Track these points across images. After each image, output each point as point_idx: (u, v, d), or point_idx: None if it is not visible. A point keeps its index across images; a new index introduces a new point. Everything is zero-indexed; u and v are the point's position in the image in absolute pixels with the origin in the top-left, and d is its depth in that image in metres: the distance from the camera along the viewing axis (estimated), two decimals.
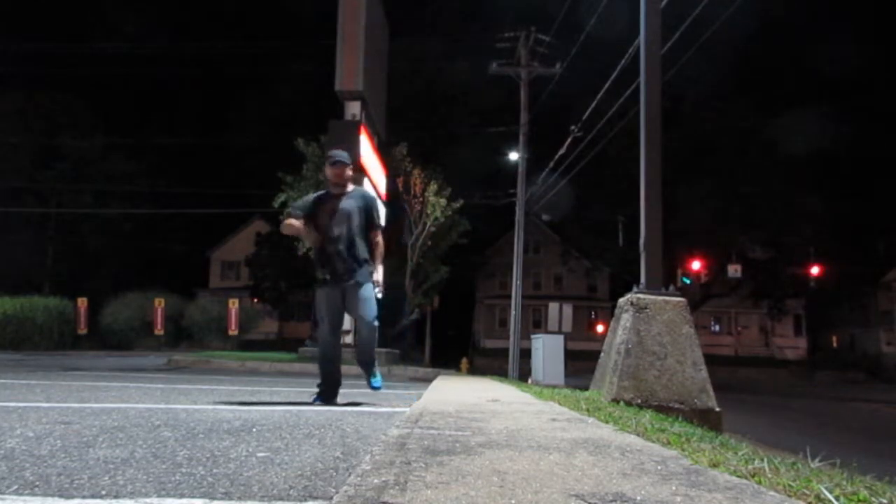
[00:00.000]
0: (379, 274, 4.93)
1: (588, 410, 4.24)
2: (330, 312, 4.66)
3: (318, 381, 4.77)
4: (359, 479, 1.83)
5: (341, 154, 4.86)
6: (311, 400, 4.73)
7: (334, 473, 2.07)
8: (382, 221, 5.03)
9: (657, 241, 6.57)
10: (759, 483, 1.95)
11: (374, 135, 16.39)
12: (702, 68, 26.99)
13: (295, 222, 4.67)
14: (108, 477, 1.92)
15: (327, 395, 4.73)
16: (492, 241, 40.97)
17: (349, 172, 4.81)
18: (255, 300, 36.40)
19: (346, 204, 4.67)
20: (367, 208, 4.75)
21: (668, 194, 8.00)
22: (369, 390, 4.99)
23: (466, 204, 21.14)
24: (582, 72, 21.56)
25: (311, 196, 4.94)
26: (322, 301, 4.68)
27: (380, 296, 4.73)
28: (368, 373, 4.91)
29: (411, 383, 9.84)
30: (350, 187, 4.83)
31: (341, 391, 4.89)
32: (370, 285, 4.65)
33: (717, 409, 5.65)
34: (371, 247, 4.76)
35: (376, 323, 4.65)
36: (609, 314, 27.81)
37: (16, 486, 1.78)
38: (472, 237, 23.56)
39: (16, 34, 39.26)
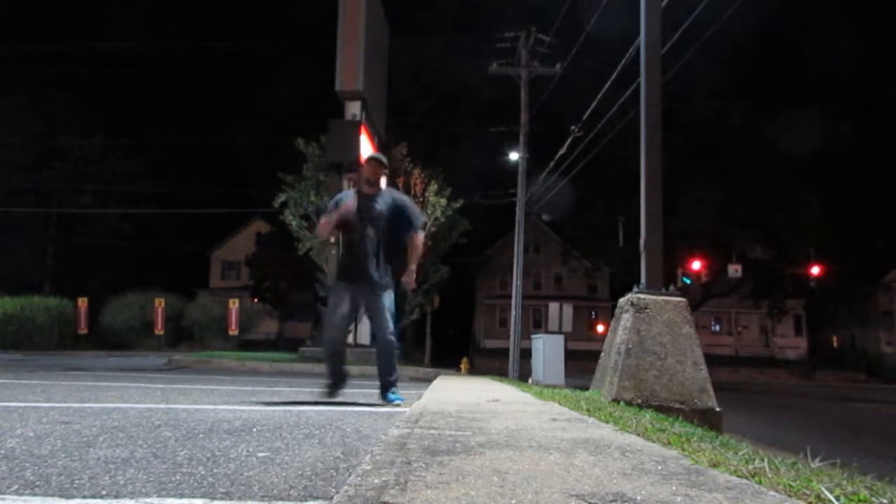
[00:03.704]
0: (412, 274, 4.76)
1: (588, 410, 4.24)
2: (343, 302, 4.53)
3: (326, 380, 4.69)
4: (359, 479, 1.83)
5: (381, 156, 4.97)
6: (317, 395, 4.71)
7: (334, 473, 2.07)
8: (423, 219, 4.91)
9: (657, 241, 6.56)
10: (760, 483, 1.95)
11: (374, 135, 16.40)
12: (702, 68, 27.02)
13: (325, 221, 4.64)
14: (109, 477, 1.92)
15: (332, 389, 4.65)
16: (492, 241, 41.00)
17: (385, 175, 4.84)
18: (255, 300, 36.40)
19: (376, 205, 4.63)
20: (399, 209, 4.69)
21: (668, 194, 7.99)
22: (370, 390, 4.97)
23: (466, 204, 21.13)
24: (582, 71, 21.59)
25: (340, 195, 4.88)
26: (339, 291, 4.57)
27: (410, 292, 4.69)
28: (385, 387, 4.67)
29: (411, 383, 9.82)
30: (382, 188, 4.81)
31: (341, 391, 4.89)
32: (389, 294, 4.56)
33: (718, 409, 5.64)
34: (409, 248, 4.73)
35: (391, 337, 4.50)
36: (609, 314, 27.82)
37: (16, 486, 1.78)
38: (472, 237, 23.52)
39: (16, 34, 39.30)
